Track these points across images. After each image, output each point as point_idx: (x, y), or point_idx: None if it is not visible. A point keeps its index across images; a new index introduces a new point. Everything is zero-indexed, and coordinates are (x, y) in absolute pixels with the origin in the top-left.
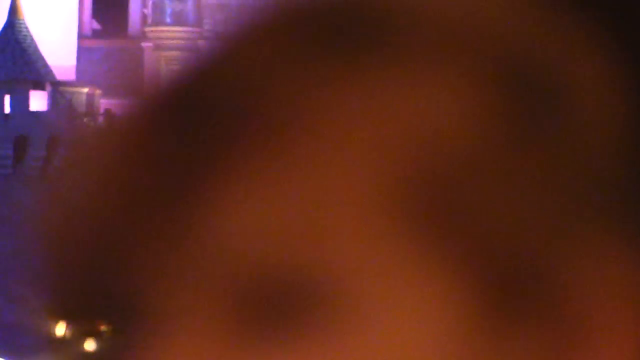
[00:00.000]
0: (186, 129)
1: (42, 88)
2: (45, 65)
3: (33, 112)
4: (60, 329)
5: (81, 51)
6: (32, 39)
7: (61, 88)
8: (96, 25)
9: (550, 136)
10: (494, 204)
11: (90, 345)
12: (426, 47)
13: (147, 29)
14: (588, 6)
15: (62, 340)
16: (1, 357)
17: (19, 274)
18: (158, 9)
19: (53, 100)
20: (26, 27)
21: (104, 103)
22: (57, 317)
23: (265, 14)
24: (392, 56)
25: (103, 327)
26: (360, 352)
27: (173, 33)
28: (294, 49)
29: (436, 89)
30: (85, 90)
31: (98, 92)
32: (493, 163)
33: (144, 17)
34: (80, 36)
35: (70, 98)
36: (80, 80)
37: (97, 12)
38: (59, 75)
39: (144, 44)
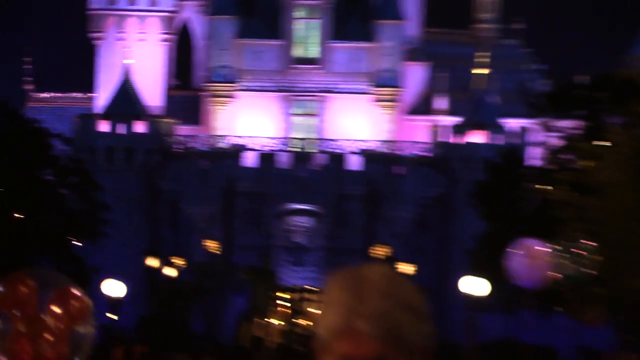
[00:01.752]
0: None
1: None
2: (143, 104)
3: (137, 133)
4: None
5: (166, 97)
6: (135, 88)
7: (155, 119)
8: (175, 81)
9: None
10: None
11: None
12: None
13: (204, 85)
14: None
15: None
16: None
17: None
18: (212, 71)
19: (151, 127)
20: (132, 81)
21: (179, 129)
22: None
23: None
24: None
25: None
26: None
27: (220, 87)
28: None
29: None
30: (170, 121)
31: (175, 122)
32: None
33: (204, 77)
34: (167, 88)
35: (159, 126)
36: (166, 114)
37: (176, 72)
38: (153, 111)
39: (202, 94)
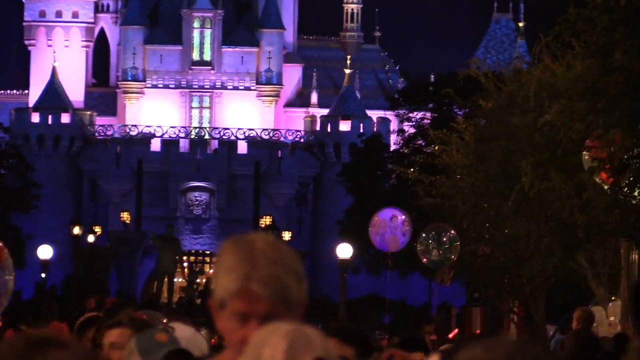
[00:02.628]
0: None
1: None
2: (67, 99)
3: (63, 123)
4: None
5: (87, 93)
6: (61, 86)
7: (78, 112)
8: (94, 80)
9: None
10: None
11: None
12: None
13: (118, 83)
14: None
15: None
16: None
17: None
18: (125, 71)
19: (74, 118)
20: (59, 80)
21: (97, 120)
22: None
23: None
24: None
25: None
26: None
27: (131, 85)
28: None
29: None
30: (90, 113)
31: (94, 114)
32: None
33: (118, 76)
34: (87, 85)
35: (81, 117)
36: (86, 108)
37: (94, 72)
38: (76, 105)
39: (117, 90)
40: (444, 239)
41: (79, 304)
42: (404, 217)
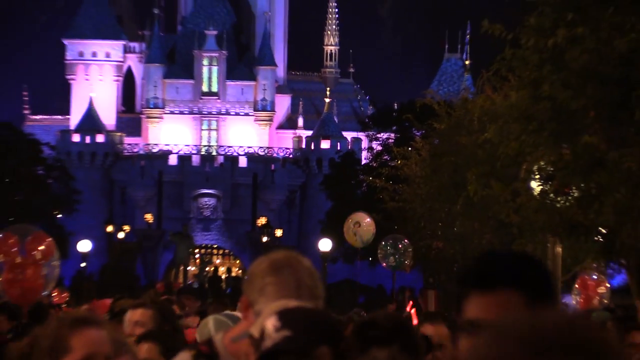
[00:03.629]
0: None
1: None
2: (102, 123)
3: (98, 142)
4: None
5: (117, 118)
6: (96, 112)
7: (110, 133)
8: (123, 107)
9: None
10: None
11: None
12: None
13: (142, 109)
14: None
15: None
16: None
17: None
18: (147, 100)
19: (107, 138)
20: (94, 107)
21: (126, 140)
22: None
23: None
24: None
25: None
26: None
27: (153, 112)
28: None
29: None
30: (120, 134)
31: (123, 135)
32: None
33: (142, 104)
34: (118, 111)
35: (113, 137)
36: (117, 130)
37: (123, 101)
38: (108, 128)
39: (141, 116)
40: (400, 246)
41: (115, 287)
42: (369, 219)
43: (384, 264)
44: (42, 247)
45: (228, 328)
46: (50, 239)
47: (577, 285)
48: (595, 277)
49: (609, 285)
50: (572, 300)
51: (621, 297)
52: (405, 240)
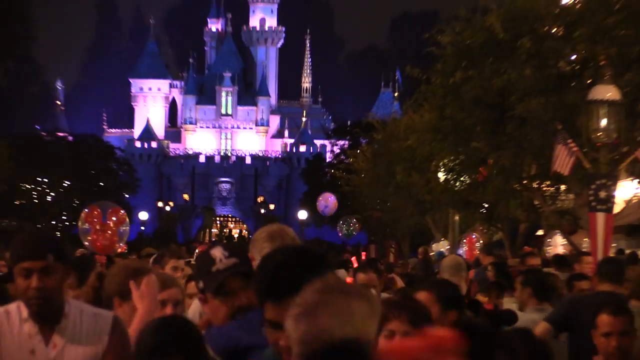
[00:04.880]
0: None
1: None
2: (155, 134)
3: (153, 148)
4: None
5: (165, 131)
6: (151, 128)
7: (161, 141)
8: (169, 124)
9: None
10: None
11: None
12: None
13: (181, 125)
14: None
15: None
16: None
17: None
18: (185, 119)
19: (159, 145)
20: (150, 124)
21: (171, 146)
22: None
23: None
24: None
25: None
26: None
27: (189, 127)
28: None
29: None
30: (166, 142)
31: (168, 142)
32: None
33: (182, 122)
34: (166, 127)
35: (163, 144)
36: (165, 139)
37: (169, 119)
38: (159, 138)
39: (181, 130)
40: (350, 225)
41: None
42: (333, 197)
43: (341, 234)
44: (115, 217)
45: None
46: (123, 211)
47: (465, 241)
48: (474, 236)
49: (481, 241)
50: (460, 251)
51: (499, 249)
52: (355, 220)
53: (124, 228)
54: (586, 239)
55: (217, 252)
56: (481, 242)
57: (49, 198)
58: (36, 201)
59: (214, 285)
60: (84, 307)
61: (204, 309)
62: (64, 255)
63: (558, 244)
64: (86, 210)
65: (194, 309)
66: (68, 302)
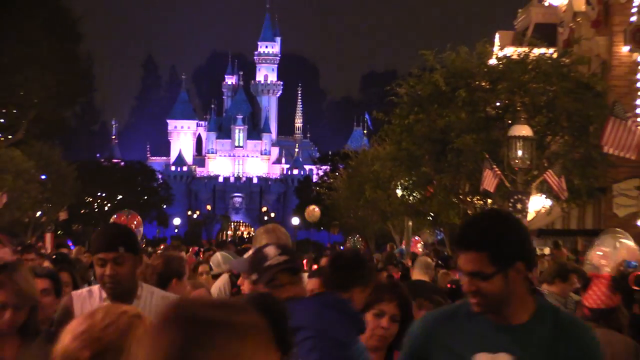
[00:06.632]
0: None
1: None
2: (185, 159)
3: (183, 170)
4: None
5: (193, 157)
6: (183, 154)
7: (190, 166)
8: (196, 152)
9: None
10: None
11: None
12: None
13: (206, 154)
14: None
15: None
16: None
17: None
18: (209, 149)
19: (188, 168)
20: (182, 152)
21: (197, 169)
22: None
23: None
24: None
25: None
26: None
27: (211, 156)
28: None
29: None
30: (194, 166)
31: (196, 166)
32: None
33: (206, 151)
34: (195, 154)
35: (192, 167)
36: (194, 164)
37: (197, 149)
38: (188, 163)
39: (205, 157)
40: (355, 240)
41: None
42: (317, 208)
43: (349, 244)
44: (135, 221)
45: (230, 260)
46: (138, 217)
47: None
48: (417, 238)
49: (422, 242)
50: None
51: (442, 247)
52: (357, 235)
53: (139, 229)
54: None
55: (270, 250)
56: (422, 242)
57: (106, 208)
58: (96, 210)
59: (265, 279)
60: (155, 290)
61: None
62: (134, 247)
63: None
64: (114, 216)
65: (217, 286)
66: (141, 285)
